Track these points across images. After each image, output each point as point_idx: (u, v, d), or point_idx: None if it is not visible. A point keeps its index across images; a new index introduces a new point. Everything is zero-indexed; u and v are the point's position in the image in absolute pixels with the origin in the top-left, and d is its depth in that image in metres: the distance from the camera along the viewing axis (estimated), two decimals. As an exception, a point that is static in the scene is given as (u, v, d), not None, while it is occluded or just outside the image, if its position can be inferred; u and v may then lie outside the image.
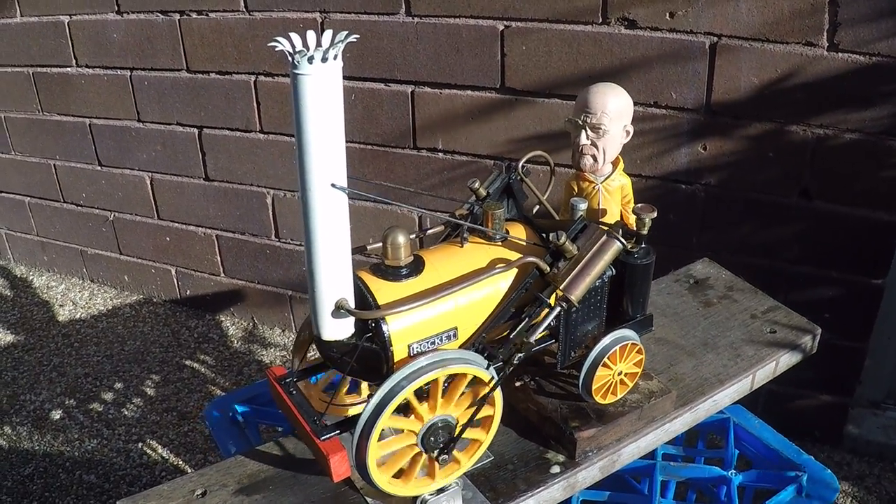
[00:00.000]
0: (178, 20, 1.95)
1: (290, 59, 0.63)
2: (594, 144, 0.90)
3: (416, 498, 0.80)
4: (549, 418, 0.91)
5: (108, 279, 2.57)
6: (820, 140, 1.44)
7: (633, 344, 0.88)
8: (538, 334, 0.77)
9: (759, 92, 1.43)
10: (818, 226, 1.51)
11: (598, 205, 0.94)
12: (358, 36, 0.69)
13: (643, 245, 0.89)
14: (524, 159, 0.87)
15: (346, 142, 0.68)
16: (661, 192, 1.60)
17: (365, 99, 1.81)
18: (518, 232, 0.82)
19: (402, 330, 0.74)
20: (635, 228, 0.88)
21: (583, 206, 0.83)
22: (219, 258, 2.30)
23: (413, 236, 0.81)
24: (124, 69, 2.10)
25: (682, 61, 1.47)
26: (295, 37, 0.63)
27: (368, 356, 0.75)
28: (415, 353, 0.75)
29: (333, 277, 0.72)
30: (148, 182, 2.27)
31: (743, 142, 1.49)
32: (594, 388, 0.87)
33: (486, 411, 0.77)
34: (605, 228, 0.76)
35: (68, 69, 2.19)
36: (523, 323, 0.77)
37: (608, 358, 0.86)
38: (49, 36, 2.17)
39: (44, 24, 2.16)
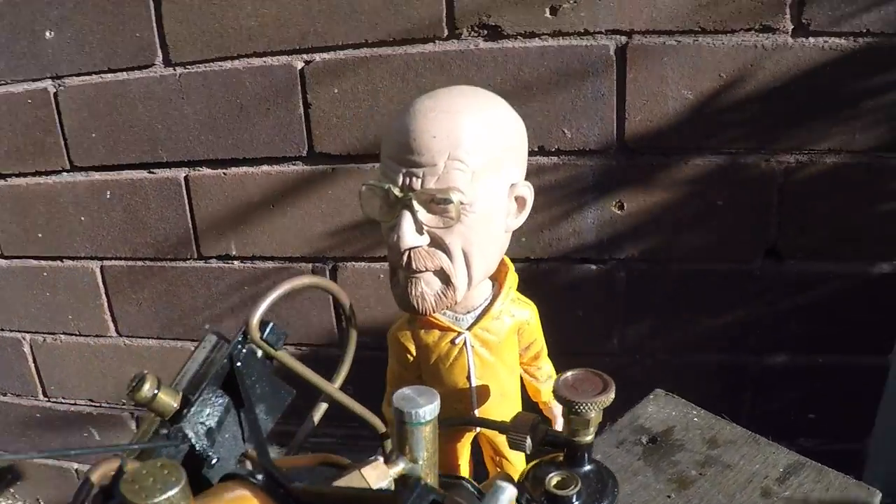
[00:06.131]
0: None
1: None
2: (438, 244, 0.36)
3: None
4: None
5: None
6: (789, 172, 0.97)
7: None
8: None
9: (695, 110, 0.95)
10: (789, 293, 1.02)
11: (469, 380, 0.39)
12: None
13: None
14: (258, 313, 0.32)
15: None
16: (560, 281, 1.08)
17: (124, 196, 1.23)
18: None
19: None
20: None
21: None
22: (-24, 431, 1.64)
23: None
24: None
25: (575, 80, 0.97)
26: None
27: None
28: None
29: None
30: None
31: (677, 189, 1.00)
32: None
33: None
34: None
35: None
36: None
37: None
38: None
39: None
